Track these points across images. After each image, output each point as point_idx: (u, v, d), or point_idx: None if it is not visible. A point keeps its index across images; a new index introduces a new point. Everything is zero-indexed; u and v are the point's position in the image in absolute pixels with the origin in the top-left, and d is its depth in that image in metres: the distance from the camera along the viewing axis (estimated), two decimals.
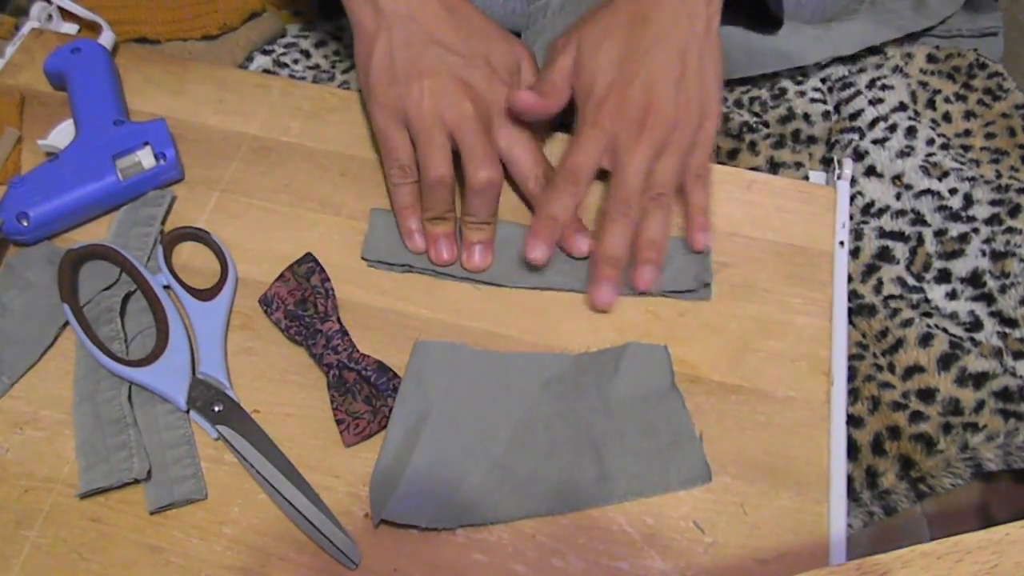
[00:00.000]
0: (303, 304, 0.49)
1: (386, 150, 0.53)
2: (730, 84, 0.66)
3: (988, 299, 0.54)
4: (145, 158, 0.54)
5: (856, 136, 0.61)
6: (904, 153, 0.60)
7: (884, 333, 0.53)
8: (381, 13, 0.52)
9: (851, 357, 0.51)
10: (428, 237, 0.52)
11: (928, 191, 0.58)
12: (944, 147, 0.61)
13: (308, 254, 0.51)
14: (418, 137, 0.51)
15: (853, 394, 0.51)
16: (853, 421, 0.50)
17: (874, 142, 0.61)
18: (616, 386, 0.47)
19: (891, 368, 0.52)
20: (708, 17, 0.54)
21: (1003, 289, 0.55)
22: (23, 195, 0.52)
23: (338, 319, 0.49)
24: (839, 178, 0.56)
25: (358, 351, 0.48)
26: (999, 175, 0.60)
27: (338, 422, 0.46)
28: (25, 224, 0.51)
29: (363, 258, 0.52)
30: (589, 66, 0.53)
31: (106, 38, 0.62)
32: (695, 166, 0.53)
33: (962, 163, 0.60)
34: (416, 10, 0.53)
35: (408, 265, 0.52)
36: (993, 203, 0.58)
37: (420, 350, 0.48)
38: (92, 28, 0.64)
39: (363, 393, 0.47)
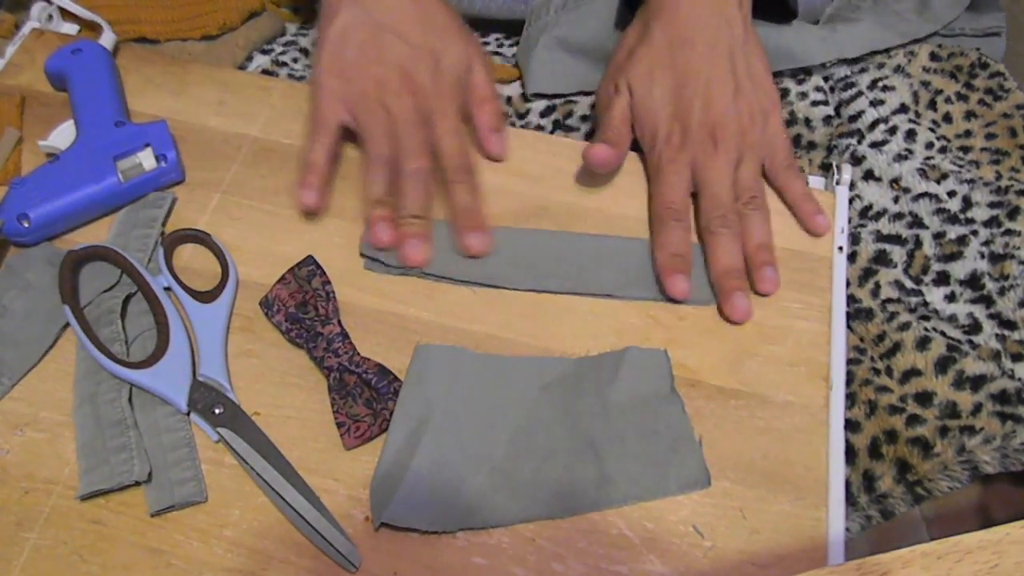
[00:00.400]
0: (304, 307, 0.49)
1: (317, 112, 0.54)
2: None
3: (987, 301, 0.54)
4: (146, 159, 0.54)
5: (854, 141, 0.61)
6: (902, 157, 0.60)
7: (881, 337, 0.53)
8: None
9: (848, 361, 0.51)
10: (370, 220, 0.52)
11: (926, 194, 0.59)
12: (943, 150, 0.61)
13: (309, 257, 0.51)
14: (360, 119, 0.52)
15: (850, 398, 0.51)
16: (850, 425, 0.50)
17: (872, 145, 0.61)
18: (616, 390, 0.47)
19: (888, 372, 0.52)
20: (743, 17, 0.55)
21: (1002, 291, 0.55)
22: (24, 196, 0.52)
23: (339, 322, 0.49)
24: (838, 183, 0.56)
25: (359, 354, 0.48)
26: (999, 176, 0.60)
27: (339, 425, 0.46)
28: (26, 225, 0.51)
29: (361, 254, 0.52)
30: (646, 105, 0.55)
31: (107, 39, 0.61)
32: (780, 160, 0.55)
33: (961, 165, 0.61)
34: None
35: (404, 268, 0.52)
36: (992, 205, 0.58)
37: (421, 354, 0.48)
38: (93, 28, 0.64)
39: (364, 396, 0.47)
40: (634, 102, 0.55)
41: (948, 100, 0.65)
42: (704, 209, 0.53)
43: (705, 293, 0.52)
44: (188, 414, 0.46)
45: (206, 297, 0.50)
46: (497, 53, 0.68)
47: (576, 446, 0.46)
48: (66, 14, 0.64)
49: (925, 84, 0.66)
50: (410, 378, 0.47)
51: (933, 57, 0.67)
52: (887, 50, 0.67)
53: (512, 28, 0.68)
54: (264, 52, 0.68)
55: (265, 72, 0.66)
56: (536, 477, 0.45)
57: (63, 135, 0.55)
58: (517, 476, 0.45)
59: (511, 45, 0.68)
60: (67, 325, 0.49)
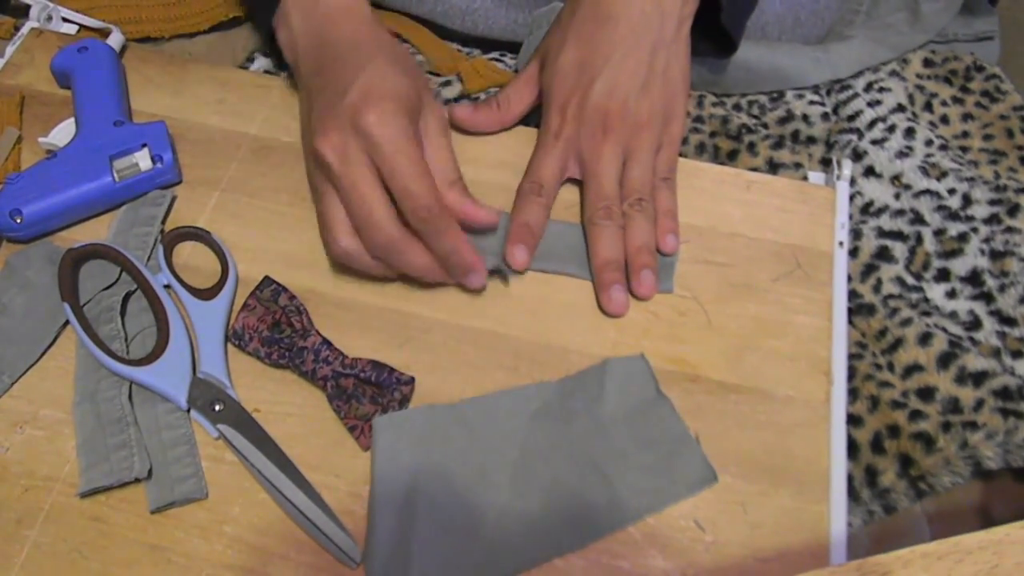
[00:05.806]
0: (278, 327, 0.49)
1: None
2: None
3: (987, 298, 0.54)
4: (142, 160, 0.54)
5: (855, 137, 0.61)
6: (903, 154, 0.60)
7: (883, 332, 0.53)
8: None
9: (850, 356, 0.51)
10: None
11: (927, 191, 0.59)
12: (943, 148, 0.61)
13: (266, 277, 0.50)
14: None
15: (852, 393, 0.51)
16: (852, 420, 0.50)
17: (873, 143, 0.61)
18: (605, 405, 0.47)
19: (890, 367, 0.52)
20: (680, 19, 0.53)
21: (1002, 288, 0.55)
22: (18, 191, 0.52)
23: (317, 331, 0.48)
24: (838, 178, 0.56)
25: (348, 357, 0.47)
26: (998, 176, 0.60)
27: (350, 429, 0.46)
28: (18, 221, 0.51)
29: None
30: (551, 71, 0.53)
31: (115, 39, 0.61)
32: (661, 169, 0.54)
33: (961, 163, 0.61)
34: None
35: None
36: (992, 203, 0.58)
37: (382, 426, 0.45)
38: (95, 28, 0.64)
39: (367, 394, 0.46)
40: (544, 66, 0.54)
41: (944, 103, 0.65)
42: (588, 200, 0.52)
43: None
44: (188, 411, 0.46)
45: (206, 294, 0.50)
46: (499, 60, 0.68)
47: (580, 470, 0.45)
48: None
49: (920, 88, 0.66)
50: (380, 455, 0.45)
51: (927, 63, 0.67)
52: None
53: (514, 48, 0.68)
54: (266, 54, 0.68)
55: (267, 73, 0.66)
56: (546, 510, 0.44)
57: (63, 132, 0.55)
58: (526, 513, 0.44)
59: (512, 58, 0.69)
60: (67, 323, 0.49)
